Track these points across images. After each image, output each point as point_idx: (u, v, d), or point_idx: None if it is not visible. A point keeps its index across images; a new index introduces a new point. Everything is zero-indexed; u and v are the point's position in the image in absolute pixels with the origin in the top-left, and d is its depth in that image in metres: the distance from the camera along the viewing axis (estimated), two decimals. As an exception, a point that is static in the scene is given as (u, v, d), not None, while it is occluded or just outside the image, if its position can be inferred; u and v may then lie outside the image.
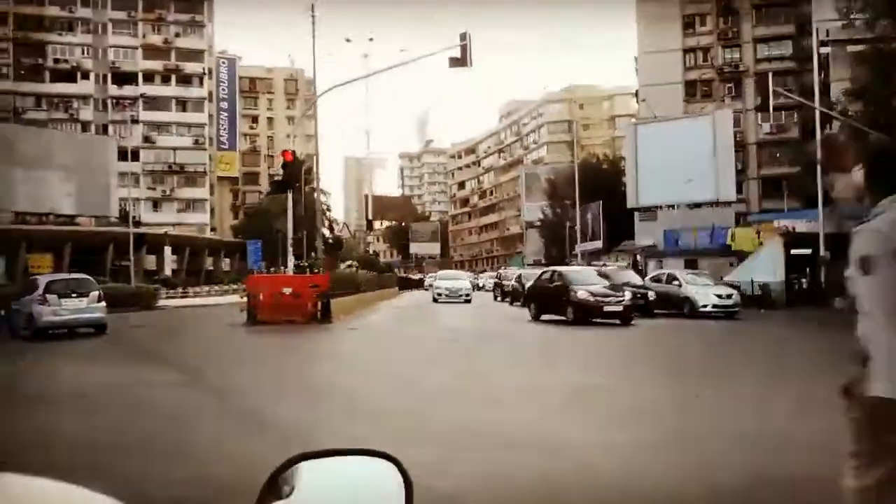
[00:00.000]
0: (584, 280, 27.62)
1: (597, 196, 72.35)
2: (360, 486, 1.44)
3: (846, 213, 40.63)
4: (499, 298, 45.22)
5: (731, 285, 32.86)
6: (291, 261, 28.22)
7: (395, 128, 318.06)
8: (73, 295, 22.26)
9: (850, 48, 61.25)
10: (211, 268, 79.70)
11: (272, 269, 49.03)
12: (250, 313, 25.56)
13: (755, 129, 69.60)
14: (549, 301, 27.54)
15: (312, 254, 37.08)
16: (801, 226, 38.65)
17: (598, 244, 67.29)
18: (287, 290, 25.69)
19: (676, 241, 53.66)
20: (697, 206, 59.14)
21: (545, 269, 34.45)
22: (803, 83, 70.33)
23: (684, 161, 58.69)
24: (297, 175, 26.63)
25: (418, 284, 77.36)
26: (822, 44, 62.86)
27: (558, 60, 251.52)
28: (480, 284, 67.72)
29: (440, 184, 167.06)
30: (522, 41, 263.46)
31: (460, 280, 45.87)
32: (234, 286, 72.39)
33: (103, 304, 23.17)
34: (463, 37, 28.78)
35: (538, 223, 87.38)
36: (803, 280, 37.11)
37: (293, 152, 26.79)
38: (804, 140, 69.97)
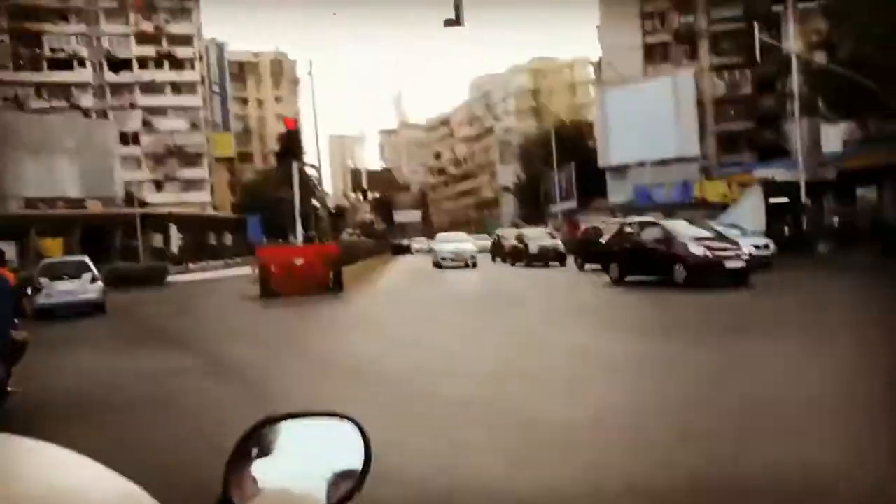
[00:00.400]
0: (690, 231, 20.56)
1: (567, 158, 70.60)
2: (323, 446, 1.41)
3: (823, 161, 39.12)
4: (498, 259, 40.08)
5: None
6: (300, 232, 25.70)
7: (374, 105, 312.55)
8: (65, 278, 21.14)
9: (801, 5, 59.49)
10: (214, 243, 77.08)
11: (281, 240, 46.37)
12: (263, 285, 23.26)
13: (712, 87, 67.52)
14: (639, 259, 21.00)
15: (320, 224, 34.60)
16: (781, 175, 36.65)
17: (573, 203, 65.28)
18: (299, 261, 23.43)
19: (649, 197, 51.82)
20: (664, 162, 57.40)
21: (629, 220, 26.35)
22: (754, 42, 68.41)
23: (650, 121, 56.88)
24: (299, 143, 24.10)
25: (407, 249, 75.41)
26: (774, 2, 60.87)
27: (521, 36, 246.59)
28: None
29: (417, 157, 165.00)
30: (487, 18, 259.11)
31: (463, 242, 37.74)
32: (239, 259, 70.29)
33: (99, 284, 21.87)
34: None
35: (512, 186, 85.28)
36: (785, 227, 35.13)
37: (295, 119, 24.28)
38: (757, 96, 68.36)
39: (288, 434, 1.40)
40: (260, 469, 1.32)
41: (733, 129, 66.70)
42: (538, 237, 35.35)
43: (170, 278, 42.75)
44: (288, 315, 18.62)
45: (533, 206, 76.08)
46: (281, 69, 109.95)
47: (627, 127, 58.17)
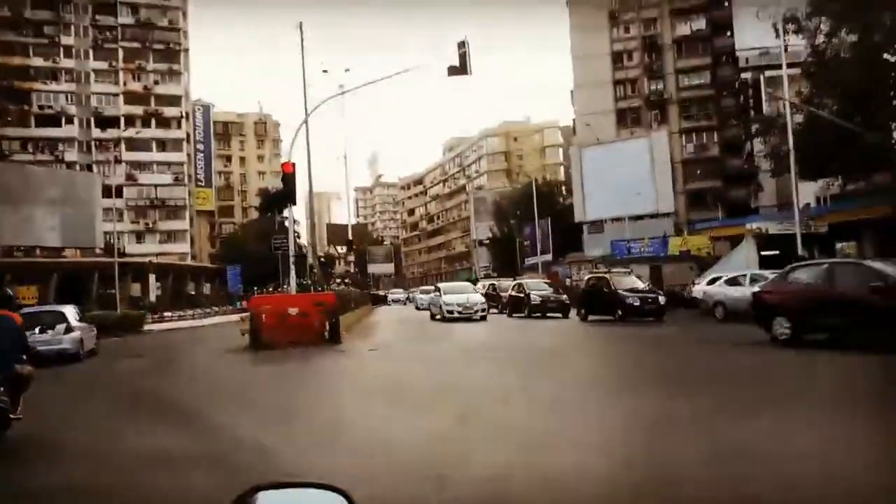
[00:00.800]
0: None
1: (540, 214, 68.16)
2: None
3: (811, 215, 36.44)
4: (494, 310, 35.04)
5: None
6: (293, 279, 21.73)
7: (350, 164, 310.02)
8: (37, 330, 18.54)
9: (768, 73, 57.86)
10: (193, 292, 72.49)
11: (266, 289, 42.20)
12: (254, 336, 19.30)
13: (680, 149, 65.47)
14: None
15: (312, 273, 30.39)
16: (774, 227, 33.74)
17: (549, 256, 62.15)
18: (293, 311, 19.49)
19: (629, 251, 48.76)
20: (639, 217, 54.82)
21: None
22: (720, 106, 66.93)
23: (626, 179, 54.39)
24: (294, 187, 20.35)
25: (384, 300, 71.58)
26: (742, 70, 59.28)
27: (492, 100, 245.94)
28: None
29: (390, 213, 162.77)
30: (459, 83, 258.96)
31: (471, 293, 31.25)
32: (216, 308, 65.98)
33: (74, 335, 19.73)
34: (461, 45, 23.19)
35: (487, 241, 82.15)
36: None
37: (293, 164, 20.60)
38: (723, 157, 66.47)
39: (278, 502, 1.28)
40: None
41: (701, 187, 64.71)
42: (538, 287, 31.52)
43: (147, 326, 39.04)
44: (286, 373, 14.63)
45: (507, 259, 73.03)
46: (264, 129, 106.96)
47: (604, 184, 55.61)
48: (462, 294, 30.35)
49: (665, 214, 54.39)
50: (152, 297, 59.08)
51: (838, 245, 40.23)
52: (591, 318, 25.54)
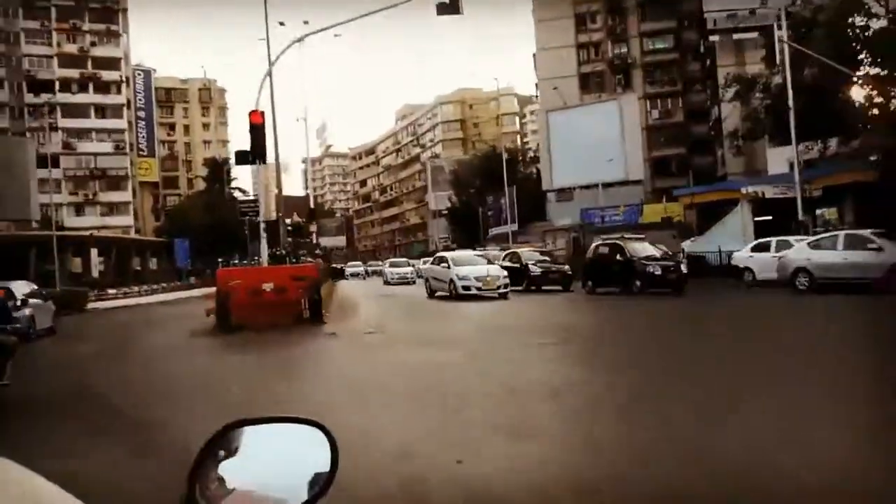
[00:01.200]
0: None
1: (501, 183, 65.79)
2: (291, 450, 1.34)
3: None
4: None
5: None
6: (265, 250, 18.47)
7: (298, 133, 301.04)
8: None
9: (736, 36, 56.18)
10: (139, 268, 68.19)
11: (230, 262, 38.50)
12: (222, 317, 16.35)
13: (645, 115, 63.59)
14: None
15: (287, 242, 26.83)
16: (770, 191, 31.81)
17: (514, 226, 59.81)
18: (268, 286, 16.55)
19: (602, 219, 46.69)
20: (608, 185, 52.77)
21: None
22: (684, 71, 65.19)
23: (594, 144, 52.18)
24: (263, 140, 17.24)
25: (341, 274, 68.43)
26: (710, 32, 57.45)
27: (446, 65, 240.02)
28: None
29: (340, 184, 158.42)
30: (411, 48, 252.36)
31: (490, 266, 24.93)
32: (164, 285, 62.01)
33: (23, 312, 17.49)
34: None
35: (446, 211, 79.36)
36: None
37: (262, 113, 17.47)
38: (688, 123, 64.94)
39: (255, 438, 1.31)
40: (226, 471, 1.25)
41: (666, 154, 63.11)
42: (533, 256, 28.43)
43: (90, 304, 35.62)
44: (270, 363, 11.77)
45: (468, 230, 70.52)
46: (209, 96, 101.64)
47: (571, 150, 53.31)
48: (478, 266, 24.67)
49: (635, 182, 52.43)
50: (94, 273, 54.98)
51: (819, 211, 38.83)
52: (599, 290, 23.05)
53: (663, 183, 59.31)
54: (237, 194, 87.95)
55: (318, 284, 17.00)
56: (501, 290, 23.24)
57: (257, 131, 17.37)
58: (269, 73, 20.15)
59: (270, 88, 19.11)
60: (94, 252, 56.89)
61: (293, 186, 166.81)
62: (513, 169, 70.23)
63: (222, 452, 1.25)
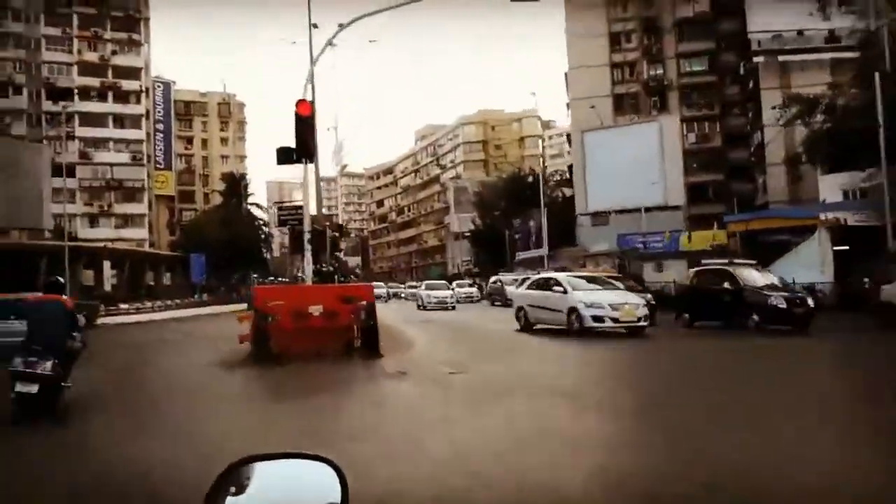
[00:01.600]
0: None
1: (529, 205, 63.03)
2: (301, 486, 1.33)
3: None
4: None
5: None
6: (309, 266, 15.21)
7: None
8: (12, 317, 15.72)
9: (782, 58, 53.43)
10: (152, 283, 65.48)
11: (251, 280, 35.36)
12: (259, 344, 13.39)
13: (681, 139, 60.72)
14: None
15: (334, 257, 23.55)
16: (852, 218, 28.78)
17: (543, 251, 56.79)
18: (316, 309, 13.61)
19: (645, 245, 43.68)
20: (646, 210, 49.83)
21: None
22: (723, 94, 62.42)
23: (632, 167, 49.30)
24: (313, 136, 14.28)
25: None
26: (754, 54, 54.71)
27: (466, 88, 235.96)
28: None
29: (355, 204, 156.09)
30: (431, 71, 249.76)
31: (621, 290, 19.75)
32: (177, 301, 59.19)
33: None
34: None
35: (468, 233, 76.45)
36: (865, 279, 26.69)
37: (311, 103, 14.61)
38: (726, 148, 62.04)
39: (265, 474, 1.29)
40: None
41: (703, 180, 60.14)
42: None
43: (100, 319, 32.81)
44: (334, 428, 8.43)
45: (492, 254, 67.57)
46: (229, 110, 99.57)
47: (607, 173, 50.44)
48: (609, 291, 18.91)
49: (674, 207, 49.43)
50: (107, 287, 52.30)
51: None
52: (697, 324, 19.56)
53: (699, 210, 56.27)
54: (255, 210, 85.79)
55: (374, 308, 14.04)
56: (641, 323, 17.68)
57: (305, 125, 14.53)
58: (311, 75, 17.15)
59: (312, 89, 16.05)
60: (106, 265, 54.38)
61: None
62: (538, 192, 67.58)
63: (233, 489, 1.20)
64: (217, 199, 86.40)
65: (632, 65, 62.51)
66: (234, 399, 10.33)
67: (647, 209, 48.59)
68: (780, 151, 52.14)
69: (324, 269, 17.91)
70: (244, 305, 60.72)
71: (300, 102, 14.63)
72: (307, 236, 15.23)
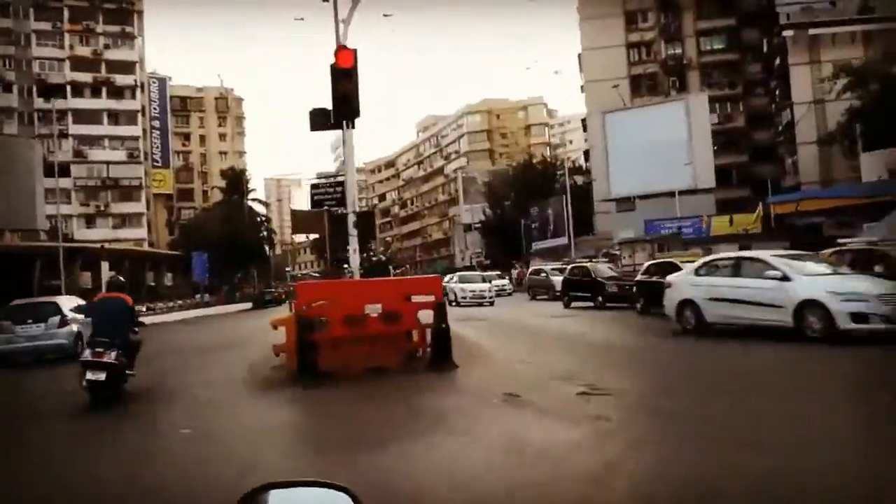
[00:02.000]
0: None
1: (538, 195, 60.10)
2: None
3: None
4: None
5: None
6: (356, 254, 11.87)
7: (312, 148, 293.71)
8: (30, 321, 17.70)
9: (812, 31, 50.39)
10: (153, 283, 62.25)
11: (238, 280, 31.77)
12: (304, 357, 10.24)
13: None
14: None
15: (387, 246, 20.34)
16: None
17: (563, 240, 53.72)
18: (374, 310, 10.52)
19: (680, 229, 40.62)
20: (672, 195, 46.80)
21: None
22: (745, 73, 59.40)
23: (659, 149, 46.20)
24: (356, 94, 11.03)
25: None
26: (783, 28, 51.64)
27: (466, 78, 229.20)
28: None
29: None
30: (427, 60, 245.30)
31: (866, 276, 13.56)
32: (180, 301, 56.19)
33: (70, 328, 17.75)
34: None
35: (479, 225, 73.30)
36: None
37: (354, 52, 11.41)
38: (749, 129, 59.08)
39: (286, 500, 1.29)
40: None
41: (726, 162, 57.07)
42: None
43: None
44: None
45: (505, 245, 64.49)
46: (226, 105, 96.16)
47: (631, 156, 47.28)
48: (846, 277, 13.22)
49: (706, 190, 46.35)
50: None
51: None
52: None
53: (723, 194, 53.23)
54: (256, 206, 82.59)
55: (445, 307, 10.94)
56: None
57: (345, 78, 11.42)
58: (350, 14, 13.76)
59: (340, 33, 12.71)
60: (104, 265, 50.98)
61: (306, 201, 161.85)
62: (550, 180, 64.63)
63: None
64: (217, 197, 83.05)
65: (648, 44, 59.46)
66: (293, 458, 7.13)
67: (671, 194, 45.62)
68: (812, 130, 49.23)
69: (374, 258, 14.75)
70: (248, 305, 58.35)
71: (340, 51, 11.51)
72: (352, 219, 12.10)
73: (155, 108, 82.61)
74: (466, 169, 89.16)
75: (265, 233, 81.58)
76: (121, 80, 73.17)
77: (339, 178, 15.70)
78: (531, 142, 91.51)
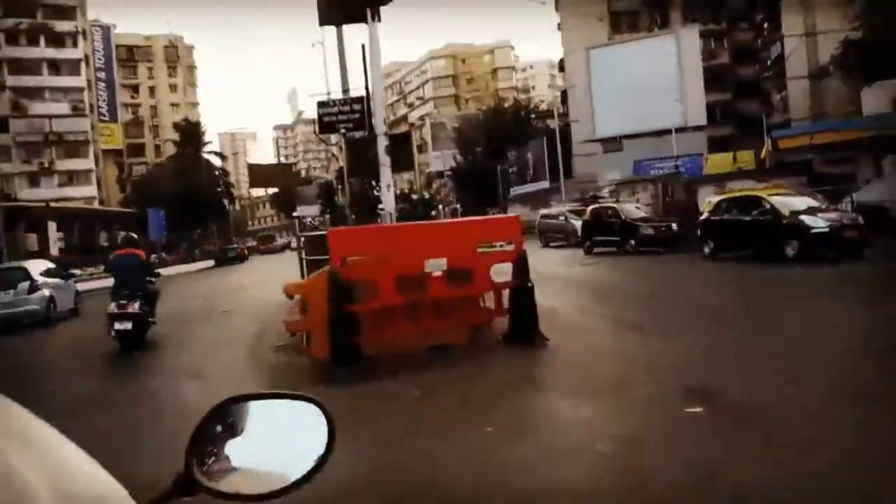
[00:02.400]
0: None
1: (510, 141, 56.98)
2: (287, 425, 1.28)
3: None
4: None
5: None
6: (390, 193, 8.66)
7: (268, 99, 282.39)
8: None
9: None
10: (106, 244, 57.67)
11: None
12: (340, 336, 6.98)
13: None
14: None
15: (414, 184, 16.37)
16: None
17: (544, 184, 50.58)
18: (436, 266, 7.28)
19: (676, 167, 37.82)
20: (659, 133, 44.03)
21: None
22: (730, 7, 56.28)
23: (647, 86, 43.25)
24: None
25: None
26: (774, -44, 48.47)
27: (428, 22, 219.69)
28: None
29: (313, 151, 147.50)
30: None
31: None
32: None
33: (41, 293, 17.16)
34: None
35: (449, 172, 69.68)
36: None
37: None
38: (734, 65, 56.24)
39: (252, 414, 1.26)
40: (223, 447, 1.21)
41: (710, 100, 54.30)
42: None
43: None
44: None
45: (479, 192, 61.21)
46: (177, 55, 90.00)
47: (618, 94, 44.19)
48: None
49: (697, 128, 43.57)
50: (54, 251, 44.61)
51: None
52: None
53: (708, 132, 50.60)
54: (213, 159, 77.74)
55: (526, 259, 7.74)
56: None
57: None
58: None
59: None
60: (52, 226, 46.57)
61: (264, 155, 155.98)
62: (523, 124, 61.48)
63: (219, 428, 1.19)
64: (170, 151, 77.94)
65: (629, -22, 55.70)
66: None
67: (666, 132, 42.79)
68: (803, 65, 46.65)
69: (415, 195, 11.45)
70: (210, 263, 54.42)
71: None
72: (383, 143, 8.74)
73: (100, 59, 76.72)
74: (433, 115, 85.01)
75: (223, 186, 77.14)
76: (60, 26, 67.11)
77: (357, 94, 12.03)
78: (499, 86, 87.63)
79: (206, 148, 77.21)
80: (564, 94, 58.59)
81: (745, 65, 54.19)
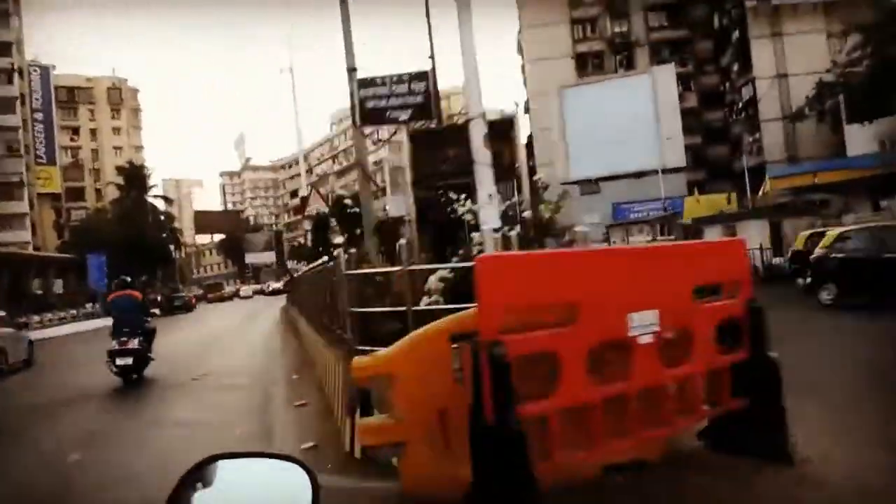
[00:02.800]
0: None
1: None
2: (269, 486, 1.23)
3: None
4: None
5: None
6: (492, 206, 5.50)
7: (215, 146, 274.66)
8: None
9: (775, 1, 46.61)
10: (40, 291, 52.37)
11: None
12: (505, 460, 3.56)
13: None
14: None
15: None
16: None
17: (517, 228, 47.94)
18: (643, 324, 3.98)
19: (666, 210, 35.57)
20: (638, 175, 42.06)
21: None
22: (696, 50, 55.33)
23: (623, 126, 41.33)
24: None
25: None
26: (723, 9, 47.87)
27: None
28: None
29: (262, 198, 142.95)
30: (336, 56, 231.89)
31: None
32: (73, 312, 47.18)
33: None
34: None
35: (408, 218, 66.44)
36: None
37: None
38: (702, 109, 55.03)
39: (234, 473, 1.21)
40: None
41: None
42: None
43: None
44: None
45: (438, 236, 58.14)
46: (120, 97, 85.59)
47: (593, 135, 42.06)
48: None
49: (676, 169, 41.53)
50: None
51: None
52: None
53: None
54: (159, 203, 73.11)
55: (763, 313, 4.52)
56: None
57: None
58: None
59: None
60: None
61: (210, 202, 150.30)
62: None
63: (200, 485, 1.14)
64: (113, 194, 72.97)
65: (593, 20, 54.30)
66: None
67: (644, 174, 40.71)
68: (775, 107, 45.57)
69: (523, 212, 7.70)
70: (155, 311, 49.93)
71: None
72: (481, 132, 5.45)
73: (37, 99, 71.92)
74: (390, 159, 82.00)
75: (169, 231, 72.43)
76: (-6, 62, 62.53)
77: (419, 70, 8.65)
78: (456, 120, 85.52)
79: (152, 192, 72.64)
80: (531, 138, 56.51)
81: (713, 109, 53.04)
